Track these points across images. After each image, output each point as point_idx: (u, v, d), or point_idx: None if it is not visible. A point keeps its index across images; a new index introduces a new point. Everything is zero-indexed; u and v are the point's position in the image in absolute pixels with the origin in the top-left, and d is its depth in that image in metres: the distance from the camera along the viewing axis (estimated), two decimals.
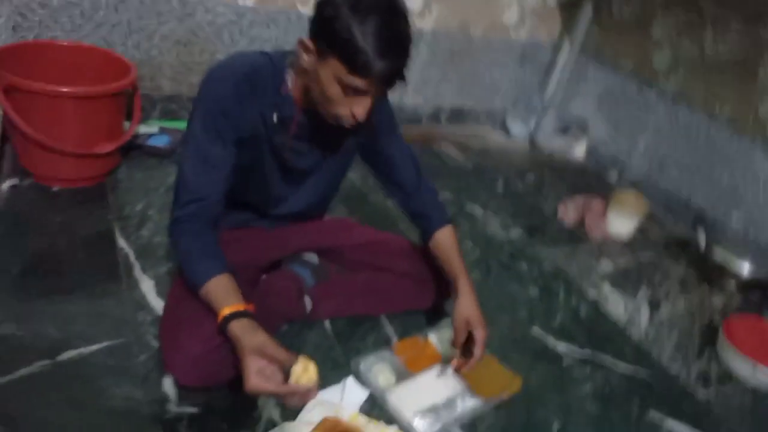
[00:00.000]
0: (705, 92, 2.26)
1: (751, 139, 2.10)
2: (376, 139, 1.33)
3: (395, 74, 1.04)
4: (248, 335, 1.02)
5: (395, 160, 1.37)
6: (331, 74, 1.03)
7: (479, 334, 1.24)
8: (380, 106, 1.24)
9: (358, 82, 1.02)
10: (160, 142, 1.97)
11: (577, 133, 2.79)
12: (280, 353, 1.01)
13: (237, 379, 1.02)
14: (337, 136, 1.27)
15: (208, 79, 1.14)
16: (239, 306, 1.07)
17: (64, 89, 1.54)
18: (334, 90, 1.05)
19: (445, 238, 1.37)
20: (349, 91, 1.04)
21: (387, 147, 1.35)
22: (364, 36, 0.98)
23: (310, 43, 1.05)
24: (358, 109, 1.07)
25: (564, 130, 2.82)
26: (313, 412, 1.14)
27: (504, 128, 2.90)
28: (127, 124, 1.81)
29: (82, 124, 1.62)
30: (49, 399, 1.09)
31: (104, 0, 1.93)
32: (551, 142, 2.77)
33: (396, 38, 1.02)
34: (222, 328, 1.05)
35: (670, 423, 1.37)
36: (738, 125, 2.14)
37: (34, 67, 1.69)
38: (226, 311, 1.05)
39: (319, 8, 1.03)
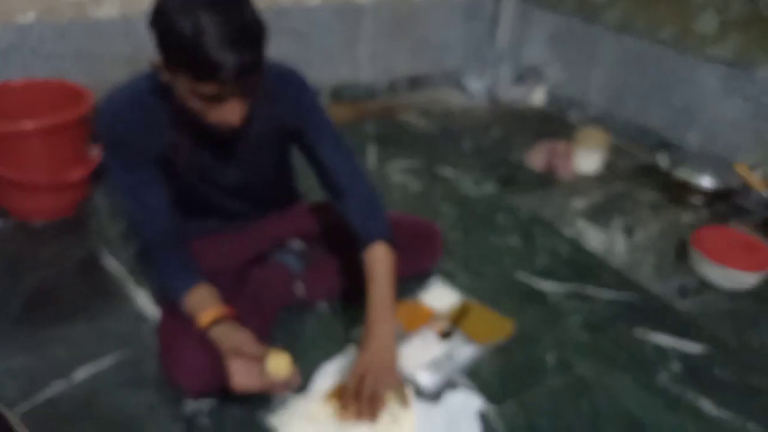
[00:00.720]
0: (645, 17, 2.33)
1: (693, 57, 2.18)
2: (307, 144, 1.25)
3: (246, 69, 0.93)
4: (226, 338, 1.07)
5: (324, 159, 1.25)
6: (186, 88, 0.96)
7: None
8: (308, 109, 1.22)
9: (209, 88, 0.93)
10: None
11: (534, 80, 2.85)
12: (254, 350, 1.06)
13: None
14: (234, 141, 1.20)
15: (100, 113, 1.11)
16: (215, 312, 1.10)
17: (28, 125, 1.57)
18: (195, 103, 0.98)
19: (372, 260, 1.21)
20: (209, 99, 0.96)
21: (315, 144, 1.25)
22: (198, 38, 0.89)
23: (159, 62, 0.97)
24: (228, 115, 0.98)
25: (520, 79, 2.88)
26: (322, 383, 1.21)
27: (462, 88, 2.95)
28: (94, 150, 1.84)
29: (51, 155, 1.65)
30: (72, 417, 1.15)
31: (49, 33, 1.95)
32: (509, 93, 2.83)
33: (235, 30, 0.91)
34: (205, 336, 1.10)
35: (656, 337, 1.46)
36: (680, 45, 2.22)
37: None
38: (202, 321, 1.10)
39: (154, 21, 0.94)
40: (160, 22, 0.92)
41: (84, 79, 2.03)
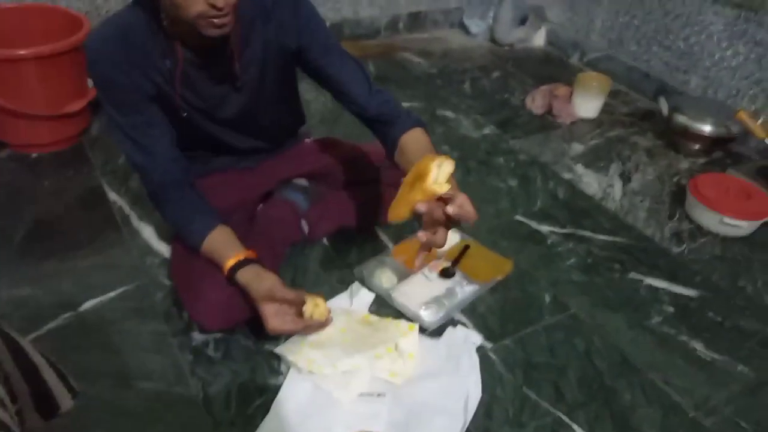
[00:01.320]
0: None
1: None
2: (314, 62, 1.22)
3: None
4: (256, 282, 1.08)
5: (340, 77, 1.23)
6: None
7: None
8: (311, 23, 1.18)
9: None
10: None
11: (535, 22, 2.79)
12: (289, 294, 1.09)
13: (255, 321, 1.12)
14: (251, 63, 1.17)
15: (87, 57, 1.08)
16: (240, 255, 1.11)
17: (23, 51, 1.53)
18: None
19: (411, 141, 1.19)
20: None
21: (324, 64, 1.23)
22: None
23: None
24: None
25: (522, 20, 2.81)
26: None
27: (463, 28, 2.89)
28: (90, 81, 1.79)
29: (48, 84, 1.61)
30: (81, 346, 1.18)
31: None
32: (511, 34, 2.78)
33: None
34: (230, 280, 1.11)
35: (650, 280, 1.50)
36: None
37: None
38: (229, 264, 1.11)
39: None
40: None
41: (76, 5, 1.96)
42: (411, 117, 1.24)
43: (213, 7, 0.97)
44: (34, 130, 1.65)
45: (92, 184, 1.61)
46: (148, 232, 1.46)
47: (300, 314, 1.13)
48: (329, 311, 1.15)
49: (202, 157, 1.33)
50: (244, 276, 1.10)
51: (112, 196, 1.57)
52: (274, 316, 1.08)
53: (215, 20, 0.99)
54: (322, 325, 1.15)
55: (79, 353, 1.16)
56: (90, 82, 1.78)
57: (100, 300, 1.27)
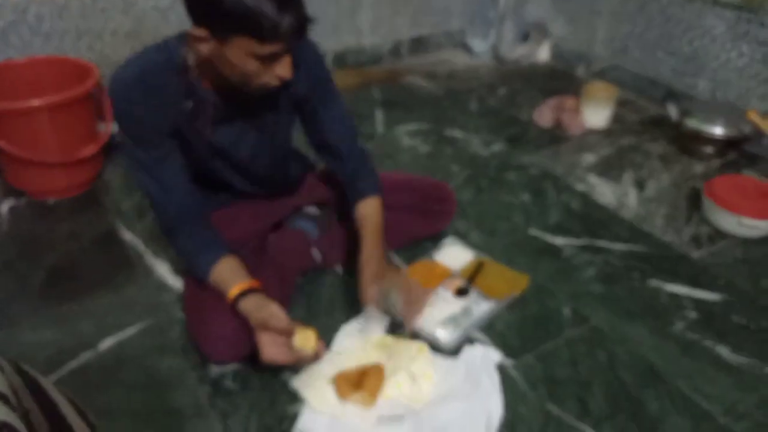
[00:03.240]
0: None
1: (701, 2, 2.14)
2: (310, 107, 1.27)
3: (304, 23, 1.01)
4: (255, 311, 1.10)
5: (328, 123, 1.30)
6: (242, 53, 1.00)
7: (390, 284, 1.25)
8: (316, 72, 1.23)
9: (272, 48, 0.99)
10: None
11: (538, 37, 2.81)
12: (280, 324, 1.09)
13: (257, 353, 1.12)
14: (259, 106, 1.21)
15: (111, 92, 1.11)
16: (243, 285, 1.13)
17: (36, 102, 1.58)
18: (252, 65, 1.02)
19: (365, 208, 1.32)
20: (267, 59, 1.01)
21: (321, 109, 1.29)
22: (259, 3, 0.94)
23: (202, 32, 1.00)
24: (282, 70, 1.04)
25: (525, 36, 2.84)
26: (343, 343, 1.24)
27: (466, 48, 2.92)
28: (102, 126, 1.84)
29: (61, 132, 1.66)
30: (101, 384, 1.18)
31: (47, 11, 1.93)
32: (514, 51, 2.79)
33: None
34: (234, 309, 1.13)
35: (671, 287, 1.47)
36: None
37: None
38: (232, 293, 1.13)
39: None
40: None
41: (85, 56, 2.03)
42: (370, 184, 1.35)
43: (279, 79, 1.05)
44: (49, 177, 1.70)
45: (107, 226, 1.64)
46: (162, 269, 1.48)
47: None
48: (318, 343, 1.12)
49: (208, 194, 1.35)
50: (246, 305, 1.11)
51: (127, 236, 1.60)
52: (269, 346, 1.09)
53: (272, 87, 1.07)
54: (315, 356, 1.13)
55: (100, 391, 1.16)
56: (103, 126, 1.83)
57: (118, 338, 1.29)
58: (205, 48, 1.02)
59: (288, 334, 1.10)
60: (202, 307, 1.19)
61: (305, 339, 1.10)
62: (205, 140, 1.19)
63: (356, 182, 1.34)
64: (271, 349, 1.09)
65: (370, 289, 1.23)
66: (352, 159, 1.34)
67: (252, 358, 1.14)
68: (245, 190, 1.36)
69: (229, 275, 1.15)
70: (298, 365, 1.16)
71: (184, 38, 1.09)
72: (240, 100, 1.14)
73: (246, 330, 1.13)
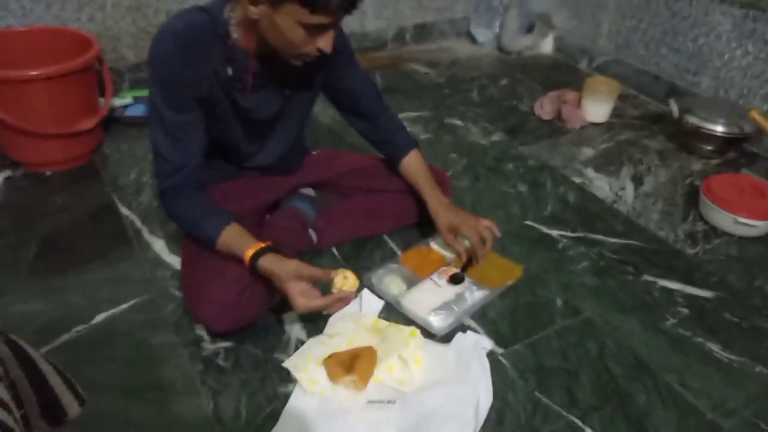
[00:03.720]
0: None
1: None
2: (336, 72, 1.32)
3: (354, 0, 1.04)
4: (280, 265, 1.13)
5: (356, 91, 1.37)
6: (291, 20, 1.03)
7: (467, 231, 1.35)
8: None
9: (321, 19, 1.02)
10: (137, 111, 2.00)
11: (542, 29, 2.79)
12: (316, 271, 1.15)
13: (281, 303, 1.17)
14: (295, 77, 1.25)
15: (153, 49, 1.11)
16: (259, 244, 1.15)
17: (34, 72, 1.56)
18: (298, 33, 1.05)
19: (412, 162, 1.43)
20: (313, 29, 1.04)
21: (347, 78, 1.34)
22: None
23: None
24: (325, 43, 1.08)
25: (528, 28, 2.82)
26: (336, 325, 1.24)
27: (470, 37, 2.90)
28: (101, 100, 1.83)
29: (59, 104, 1.64)
30: (93, 358, 1.18)
31: None
32: (518, 42, 2.78)
33: None
34: (252, 268, 1.13)
35: (664, 282, 1.47)
36: None
37: None
38: (250, 253, 1.13)
39: None
40: None
41: (86, 27, 2.01)
42: (408, 138, 1.45)
43: (320, 51, 1.09)
44: (46, 148, 1.69)
45: (104, 200, 1.63)
46: (158, 246, 1.48)
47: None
48: (359, 282, 1.19)
49: (216, 165, 1.36)
50: (267, 261, 1.13)
51: (124, 210, 1.59)
52: (300, 296, 1.12)
53: (309, 59, 1.12)
54: (348, 297, 1.18)
55: (92, 365, 1.16)
56: (100, 99, 1.81)
57: (111, 313, 1.28)
58: (257, 11, 1.05)
59: (324, 277, 1.15)
60: (200, 275, 1.20)
61: (345, 279, 1.15)
62: (236, 106, 1.22)
63: (393, 139, 1.43)
64: (303, 299, 1.12)
65: (449, 236, 1.37)
66: (383, 117, 1.42)
67: (244, 333, 1.14)
68: (251, 165, 1.37)
69: (240, 238, 1.17)
70: (333, 308, 1.19)
71: (223, 6, 1.11)
72: (278, 68, 1.16)
73: (244, 299, 1.15)
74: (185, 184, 1.18)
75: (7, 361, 0.72)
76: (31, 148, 1.68)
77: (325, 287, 1.20)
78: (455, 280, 1.39)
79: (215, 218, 1.18)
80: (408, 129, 1.49)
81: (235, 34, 1.13)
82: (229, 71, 1.16)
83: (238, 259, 1.15)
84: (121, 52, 2.12)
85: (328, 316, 1.28)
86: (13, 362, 0.74)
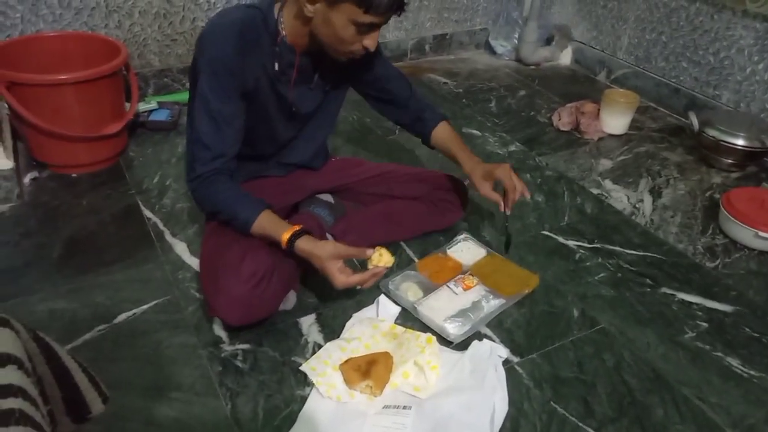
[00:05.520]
0: None
1: (731, 13, 2.13)
2: (367, 63, 1.37)
3: (403, 3, 1.12)
4: (318, 246, 1.19)
5: (387, 79, 1.44)
6: (344, 18, 1.10)
7: (501, 173, 1.39)
8: None
9: (372, 19, 1.10)
10: (162, 116, 2.03)
11: (561, 41, 2.80)
12: (352, 250, 1.22)
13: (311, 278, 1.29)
14: (335, 72, 1.33)
15: (206, 40, 1.18)
16: (295, 227, 1.21)
17: (64, 76, 1.60)
18: (349, 31, 1.12)
19: (442, 132, 1.49)
20: (363, 28, 1.12)
21: (376, 66, 1.40)
22: None
23: None
24: (371, 41, 1.16)
25: (547, 40, 2.83)
26: (353, 329, 1.25)
27: (488, 48, 2.91)
28: (127, 105, 1.87)
29: (86, 108, 1.68)
30: (114, 357, 1.21)
31: None
32: (536, 54, 2.79)
33: None
34: (289, 250, 1.19)
35: (682, 296, 1.46)
36: (717, 1, 2.16)
37: (28, 61, 1.75)
38: (287, 235, 1.19)
39: None
40: None
41: (114, 33, 2.05)
42: (437, 112, 1.52)
43: (365, 49, 1.17)
44: (73, 151, 1.72)
45: (128, 203, 1.66)
46: (180, 248, 1.50)
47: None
48: (394, 258, 1.26)
49: (242, 163, 1.38)
50: (304, 243, 1.19)
51: (147, 213, 1.62)
52: (339, 274, 1.19)
53: (354, 56, 1.20)
54: (380, 273, 1.24)
55: (113, 364, 1.18)
56: (126, 103, 1.85)
57: (133, 313, 1.31)
58: (311, 8, 1.12)
59: (360, 255, 1.24)
60: (215, 270, 1.22)
61: (380, 255, 1.23)
62: (279, 100, 1.28)
63: (423, 116, 1.49)
64: (342, 276, 1.19)
65: (485, 185, 1.40)
66: (414, 99, 1.48)
67: (263, 335, 1.15)
68: (283, 160, 1.44)
69: (276, 222, 1.23)
70: (368, 283, 1.24)
71: (272, 3, 1.19)
72: (322, 64, 1.24)
73: (255, 294, 1.17)
74: (221, 172, 1.23)
75: (35, 358, 0.74)
76: (59, 150, 1.72)
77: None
78: (471, 287, 1.39)
79: (251, 203, 1.23)
80: None
81: (284, 31, 1.20)
82: (276, 66, 1.23)
83: (273, 242, 1.21)
84: (147, 58, 2.17)
85: (346, 319, 1.29)
86: (40, 359, 0.76)
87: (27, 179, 1.72)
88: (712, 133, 1.97)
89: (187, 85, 2.23)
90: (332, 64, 1.24)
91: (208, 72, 1.18)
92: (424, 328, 1.30)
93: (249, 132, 1.29)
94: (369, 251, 1.24)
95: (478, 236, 1.59)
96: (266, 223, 1.22)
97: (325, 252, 1.18)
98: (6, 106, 1.70)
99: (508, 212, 1.43)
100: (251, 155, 1.39)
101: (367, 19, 1.10)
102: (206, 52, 1.17)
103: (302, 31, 1.19)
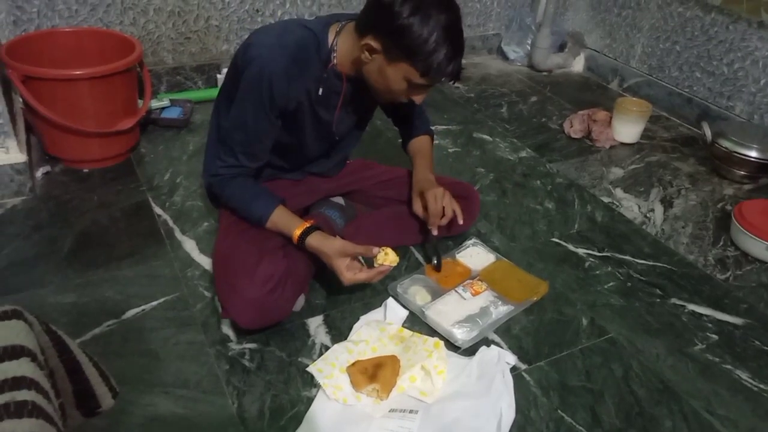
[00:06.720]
0: None
1: (747, 24, 2.12)
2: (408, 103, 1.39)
3: (459, 73, 1.14)
4: (327, 243, 1.23)
5: (413, 109, 1.46)
6: (400, 75, 1.12)
7: (428, 194, 1.39)
8: None
9: (427, 82, 1.13)
10: (174, 113, 2.04)
11: (574, 48, 2.80)
12: (359, 248, 1.25)
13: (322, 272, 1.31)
14: (372, 98, 1.31)
15: (256, 56, 1.15)
16: (306, 224, 1.25)
17: (79, 72, 1.61)
18: (401, 86, 1.15)
19: (420, 142, 1.51)
20: (415, 87, 1.15)
21: (414, 106, 1.38)
22: (436, 44, 1.06)
23: (377, 45, 1.11)
24: (420, 98, 1.20)
25: (560, 47, 2.82)
26: (360, 332, 1.25)
27: (501, 54, 2.91)
28: (139, 102, 1.87)
29: (100, 104, 1.69)
30: (122, 352, 1.21)
31: None
32: (549, 60, 2.78)
33: (460, 37, 1.11)
34: (300, 245, 1.24)
35: (692, 307, 1.45)
36: (732, 12, 2.15)
37: (43, 56, 1.76)
38: (298, 231, 1.24)
39: (382, 10, 1.08)
40: (394, 17, 1.06)
41: (128, 30, 2.06)
42: (427, 125, 1.54)
43: (409, 101, 1.21)
44: (85, 146, 1.73)
45: (139, 199, 1.67)
46: (189, 245, 1.50)
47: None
48: (398, 258, 1.29)
49: (267, 167, 1.41)
50: (314, 239, 1.23)
51: (157, 210, 1.63)
52: (346, 270, 1.23)
53: (397, 102, 1.25)
54: (386, 270, 1.28)
55: (120, 359, 1.19)
56: (139, 100, 1.86)
57: (142, 309, 1.31)
58: (370, 57, 1.13)
59: (367, 253, 1.26)
60: (231, 273, 1.23)
61: (385, 254, 1.27)
62: (318, 122, 1.29)
63: (413, 121, 1.52)
64: (349, 273, 1.23)
65: (416, 200, 1.43)
66: (416, 115, 1.53)
67: (270, 335, 1.15)
68: (309, 170, 1.47)
69: (289, 218, 1.27)
70: (374, 280, 1.29)
71: (328, 27, 1.20)
72: (365, 92, 1.24)
73: (270, 298, 1.18)
74: (241, 174, 1.28)
75: (47, 350, 0.75)
76: (72, 145, 1.72)
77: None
78: (480, 293, 1.38)
79: (267, 199, 1.27)
80: (437, 142, 1.52)
81: (336, 60, 1.21)
82: (320, 91, 1.24)
83: (285, 237, 1.26)
84: (160, 56, 2.17)
85: (353, 321, 1.29)
86: (52, 352, 0.76)
87: (39, 173, 1.72)
88: (725, 144, 1.96)
89: (200, 83, 2.25)
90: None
91: (252, 88, 1.18)
92: (432, 332, 1.30)
93: (280, 146, 1.31)
94: (375, 250, 1.27)
95: (487, 242, 1.59)
96: (279, 219, 1.26)
97: (334, 249, 1.22)
98: (20, 100, 1.71)
99: (435, 233, 1.43)
100: (277, 165, 1.41)
101: (421, 81, 1.12)
102: (254, 68, 1.16)
103: (354, 63, 1.20)
